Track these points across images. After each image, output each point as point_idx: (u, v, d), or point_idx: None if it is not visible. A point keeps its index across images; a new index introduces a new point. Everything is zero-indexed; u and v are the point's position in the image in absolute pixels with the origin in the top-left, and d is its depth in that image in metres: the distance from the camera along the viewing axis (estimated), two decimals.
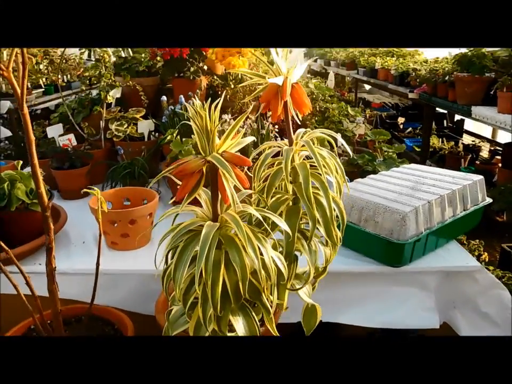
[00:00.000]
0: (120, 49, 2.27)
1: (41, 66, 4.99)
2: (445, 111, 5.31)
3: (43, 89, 4.48)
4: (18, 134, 3.97)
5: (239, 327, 0.84)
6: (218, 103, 0.75)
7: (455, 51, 3.63)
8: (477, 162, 3.78)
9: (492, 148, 4.24)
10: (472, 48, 3.21)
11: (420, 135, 4.70)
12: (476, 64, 3.13)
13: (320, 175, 0.88)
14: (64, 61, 4.92)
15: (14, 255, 1.16)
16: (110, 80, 1.88)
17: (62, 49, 4.89)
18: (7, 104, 3.81)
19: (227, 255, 0.80)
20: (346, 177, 1.63)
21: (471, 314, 1.43)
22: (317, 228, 0.91)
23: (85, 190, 1.10)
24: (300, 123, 1.00)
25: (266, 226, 0.82)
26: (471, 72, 3.13)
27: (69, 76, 4.85)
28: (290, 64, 0.92)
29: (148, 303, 1.39)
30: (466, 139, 4.94)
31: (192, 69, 2.09)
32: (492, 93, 2.96)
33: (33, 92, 4.26)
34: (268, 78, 0.86)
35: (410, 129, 5.04)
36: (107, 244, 1.49)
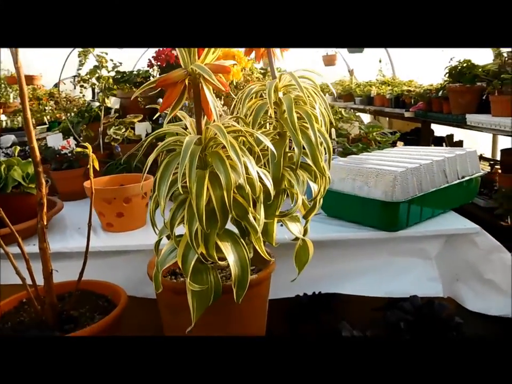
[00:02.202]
0: (119, 63, 2.35)
1: (46, 108, 5.16)
2: (443, 135, 5.38)
3: (47, 126, 4.60)
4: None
5: (228, 252, 0.83)
6: None
7: None
8: None
9: (492, 162, 4.25)
10: (461, 60, 3.30)
11: None
12: (466, 75, 3.20)
13: (303, 104, 0.90)
14: (68, 102, 5.08)
15: (7, 233, 1.17)
16: (107, 84, 1.94)
17: (65, 91, 5.09)
18: (11, 138, 3.89)
19: (212, 173, 0.80)
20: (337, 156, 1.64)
21: (475, 283, 1.40)
22: (304, 161, 0.92)
23: (77, 149, 1.12)
24: None
25: (256, 148, 0.82)
26: (462, 82, 3.20)
27: (72, 114, 4.99)
28: None
29: (143, 286, 1.37)
30: None
31: None
32: (484, 98, 3.00)
33: (38, 127, 4.37)
34: None
35: None
36: (103, 226, 1.49)
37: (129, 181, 1.56)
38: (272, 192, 0.82)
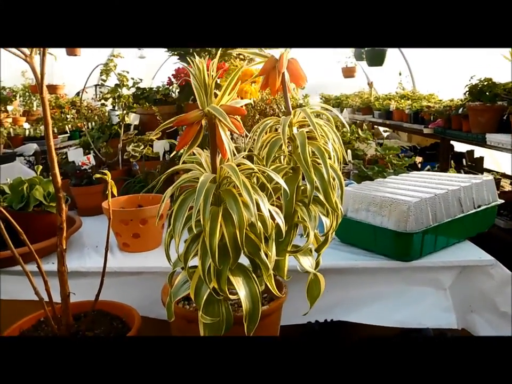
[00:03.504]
0: (139, 80, 2.40)
1: (68, 116, 5.27)
2: (464, 150, 5.31)
3: (68, 135, 4.70)
4: (43, 175, 4.13)
5: (240, 286, 0.85)
6: (214, 62, 0.80)
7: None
8: (498, 193, 3.73)
9: None
10: (482, 79, 3.27)
11: (438, 171, 4.70)
12: (486, 93, 3.17)
13: (316, 139, 0.91)
14: (89, 111, 5.18)
15: (27, 252, 1.20)
16: (127, 102, 1.98)
17: (86, 100, 5.19)
18: (33, 146, 3.99)
19: (225, 209, 0.82)
20: (353, 181, 1.65)
21: (490, 315, 1.38)
22: (316, 195, 0.93)
23: (96, 175, 1.15)
24: None
25: (268, 184, 0.84)
26: (482, 101, 3.17)
27: (93, 123, 5.09)
28: None
29: (156, 307, 1.38)
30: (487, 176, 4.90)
31: None
32: (504, 118, 2.97)
33: (59, 136, 4.47)
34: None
35: (428, 167, 5.04)
36: (119, 246, 1.52)
37: (146, 201, 1.59)
38: (284, 230, 0.83)
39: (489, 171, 5.15)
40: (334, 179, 0.93)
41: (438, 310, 1.38)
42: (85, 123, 5.04)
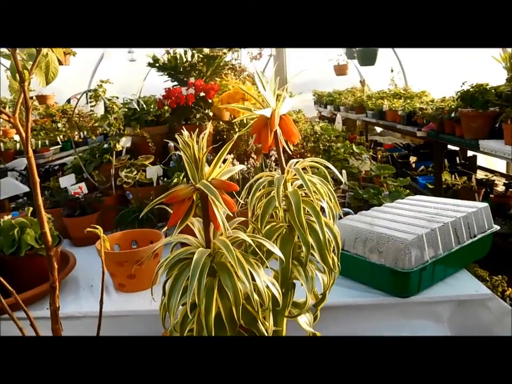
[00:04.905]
0: (130, 100, 2.37)
1: (59, 125, 5.21)
2: (457, 148, 5.31)
3: (60, 146, 4.65)
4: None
5: None
6: (205, 134, 0.79)
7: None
8: (491, 196, 3.73)
9: (506, 182, 4.20)
10: (474, 84, 3.26)
11: (432, 172, 4.70)
12: (478, 100, 3.16)
13: (312, 201, 0.90)
14: (81, 118, 5.12)
15: (22, 299, 1.18)
16: (118, 129, 1.96)
17: (77, 108, 5.12)
18: (25, 161, 3.94)
19: (220, 282, 0.80)
20: (350, 210, 1.64)
21: None
22: (312, 254, 0.92)
23: (88, 229, 1.13)
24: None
25: (260, 253, 0.83)
26: (474, 107, 3.16)
27: (85, 132, 5.03)
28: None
29: None
30: (480, 174, 4.91)
31: (198, 116, 2.17)
32: (497, 126, 2.97)
33: (51, 148, 4.43)
34: (255, 110, 0.90)
35: (422, 167, 5.05)
36: (115, 286, 1.50)
37: (140, 237, 1.58)
38: (280, 300, 0.82)
39: (482, 169, 5.17)
40: (329, 237, 0.92)
41: None
42: (76, 133, 4.98)
